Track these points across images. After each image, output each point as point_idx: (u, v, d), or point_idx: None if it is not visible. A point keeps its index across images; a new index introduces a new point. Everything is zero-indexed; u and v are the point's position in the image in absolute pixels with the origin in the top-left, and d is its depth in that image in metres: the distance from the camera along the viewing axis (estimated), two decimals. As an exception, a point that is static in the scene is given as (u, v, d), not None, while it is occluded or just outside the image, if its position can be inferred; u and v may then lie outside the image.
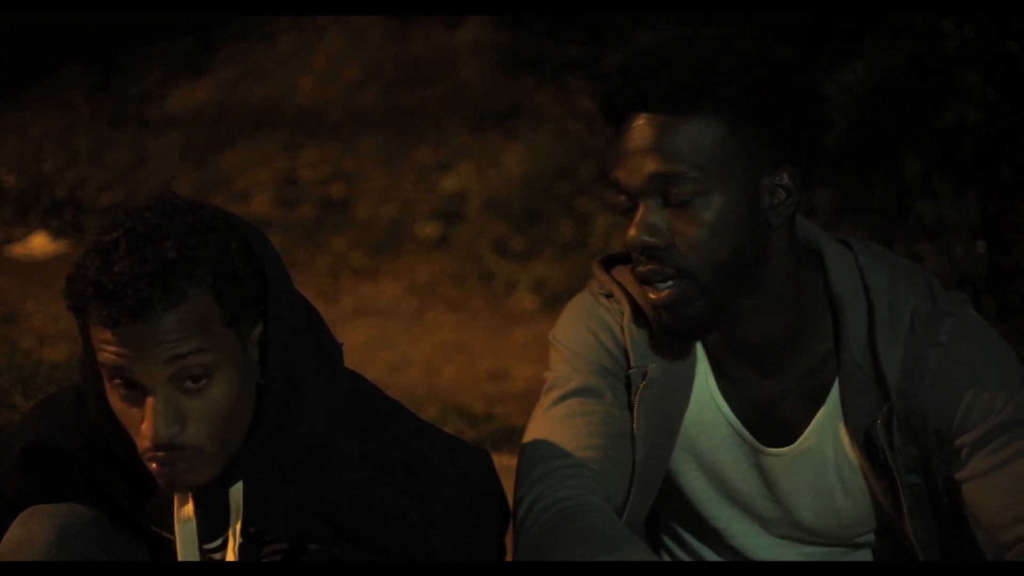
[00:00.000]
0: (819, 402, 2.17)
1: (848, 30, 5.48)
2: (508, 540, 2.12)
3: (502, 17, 7.15)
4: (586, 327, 2.22)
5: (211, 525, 2.01)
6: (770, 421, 2.20)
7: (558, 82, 7.01)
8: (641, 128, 2.07)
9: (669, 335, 2.14)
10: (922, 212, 5.27)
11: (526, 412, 2.24)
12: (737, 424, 2.21)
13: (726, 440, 2.22)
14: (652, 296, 2.09)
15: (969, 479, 2.10)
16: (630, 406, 2.18)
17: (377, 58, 7.60)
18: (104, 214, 6.59)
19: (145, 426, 1.88)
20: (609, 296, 2.22)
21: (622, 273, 2.23)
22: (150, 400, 1.88)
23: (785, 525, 2.25)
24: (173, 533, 2.01)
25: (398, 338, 5.84)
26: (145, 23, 7.61)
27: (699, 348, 2.20)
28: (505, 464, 2.16)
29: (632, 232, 2.07)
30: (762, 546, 2.28)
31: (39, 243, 6.73)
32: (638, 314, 2.18)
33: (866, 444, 2.14)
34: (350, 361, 2.06)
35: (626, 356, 2.19)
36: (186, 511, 1.99)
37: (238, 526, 2.00)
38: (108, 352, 1.86)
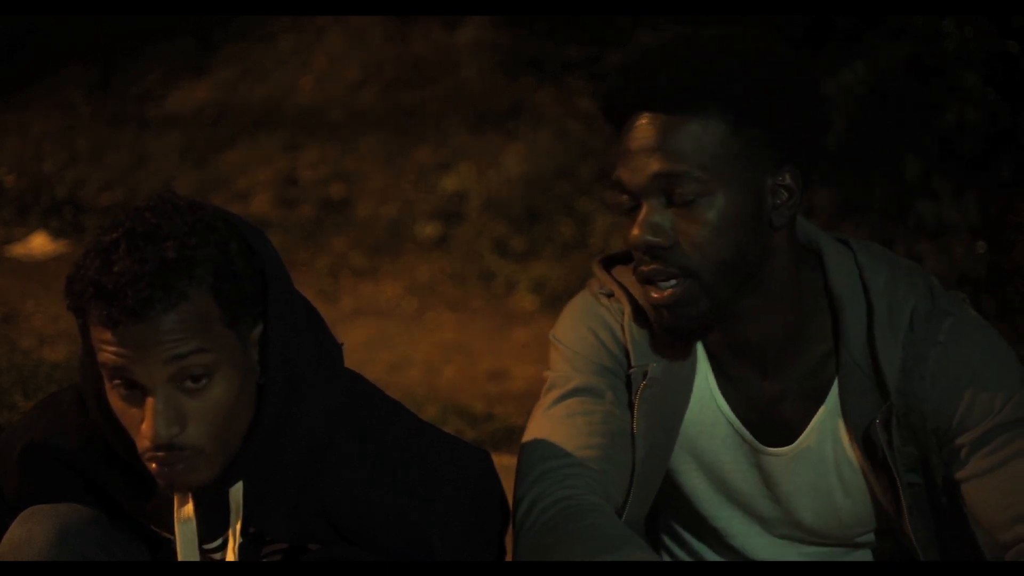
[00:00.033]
0: (819, 402, 2.17)
1: (848, 30, 5.48)
2: (508, 540, 2.12)
3: (502, 17, 7.15)
4: (586, 326, 2.22)
5: (211, 525, 2.01)
6: (770, 421, 2.20)
7: (558, 82, 7.01)
8: (643, 128, 2.07)
9: (670, 334, 2.14)
10: (922, 212, 5.27)
11: (526, 412, 2.24)
12: (737, 424, 2.21)
13: (726, 440, 2.22)
14: (654, 295, 2.09)
15: (968, 479, 2.10)
16: (630, 406, 2.18)
17: (377, 58, 7.60)
18: (104, 214, 6.59)
19: (145, 426, 1.88)
20: (610, 296, 2.22)
21: (622, 273, 2.23)
22: (150, 400, 1.88)
23: (785, 525, 2.25)
24: (173, 533, 2.01)
25: (398, 338, 5.84)
26: (145, 23, 7.61)
27: (699, 348, 2.20)
28: (505, 464, 2.16)
29: (635, 232, 2.07)
30: (762, 546, 2.28)
31: (39, 243, 6.73)
32: (638, 313, 2.18)
33: (865, 443, 2.15)
34: (350, 361, 2.06)
35: (626, 355, 2.19)
36: (186, 511, 1.99)
37: (238, 526, 2.00)
38: (108, 352, 1.86)
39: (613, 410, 2.17)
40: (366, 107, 7.42)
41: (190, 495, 1.99)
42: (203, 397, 1.89)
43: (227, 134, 7.44)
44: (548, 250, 6.35)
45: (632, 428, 2.17)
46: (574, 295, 2.29)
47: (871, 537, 2.26)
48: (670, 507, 2.31)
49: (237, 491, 1.98)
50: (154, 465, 1.90)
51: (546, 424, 2.17)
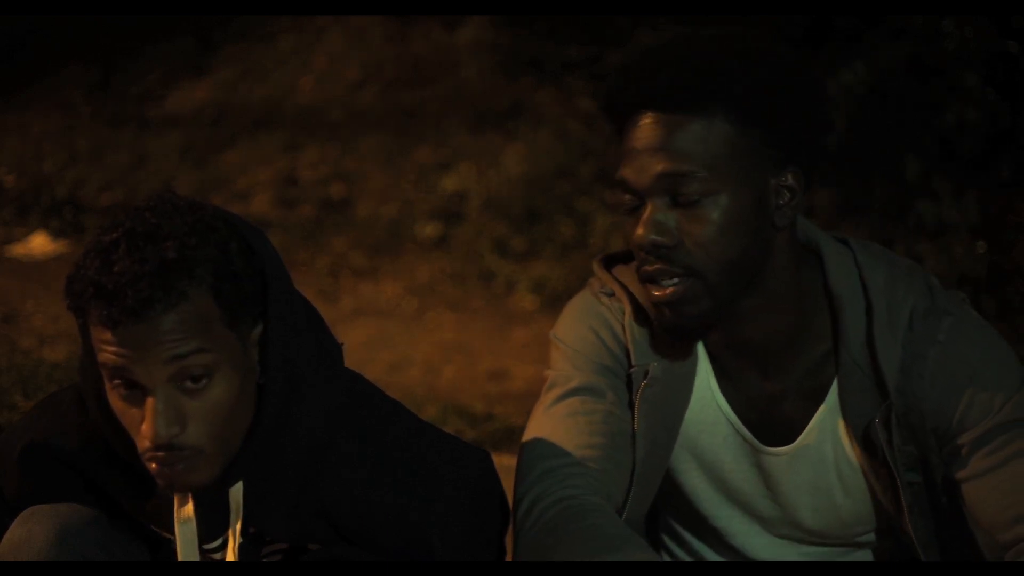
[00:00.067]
0: (819, 401, 2.17)
1: (848, 30, 5.48)
2: (508, 540, 2.12)
3: (502, 17, 7.14)
4: (587, 325, 2.22)
5: (211, 525, 2.01)
6: (770, 420, 2.20)
7: (558, 82, 7.01)
8: (648, 127, 2.07)
9: (671, 333, 2.14)
10: (922, 212, 5.27)
11: (526, 412, 2.24)
12: (738, 423, 2.21)
13: (727, 439, 2.22)
14: (656, 293, 2.09)
15: (968, 479, 2.10)
16: (630, 405, 2.18)
17: (377, 58, 7.59)
18: (104, 214, 6.59)
19: (145, 426, 1.88)
20: (610, 295, 2.22)
21: (623, 272, 2.23)
22: (150, 400, 1.88)
23: (785, 525, 2.25)
24: (173, 533, 2.01)
25: (398, 338, 5.84)
26: (145, 23, 7.60)
27: (700, 347, 2.20)
28: (505, 464, 2.16)
29: (640, 231, 2.07)
30: (762, 546, 2.28)
31: (39, 243, 6.73)
32: (639, 313, 2.18)
33: (865, 442, 2.15)
34: (350, 361, 2.06)
35: (627, 355, 2.19)
36: (186, 511, 1.99)
37: (238, 526, 2.00)
38: (108, 352, 1.86)
39: (614, 409, 2.17)
40: (366, 107, 7.41)
41: (190, 495, 1.99)
42: (203, 397, 1.89)
43: (227, 134, 7.44)
44: (548, 250, 6.35)
45: (632, 427, 2.17)
46: (574, 295, 2.29)
47: (871, 536, 2.26)
48: (670, 506, 2.31)
49: (237, 491, 1.98)
50: (154, 465, 1.90)
51: (547, 423, 2.17)
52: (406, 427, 2.04)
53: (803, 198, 2.11)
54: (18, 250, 6.69)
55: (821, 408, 2.17)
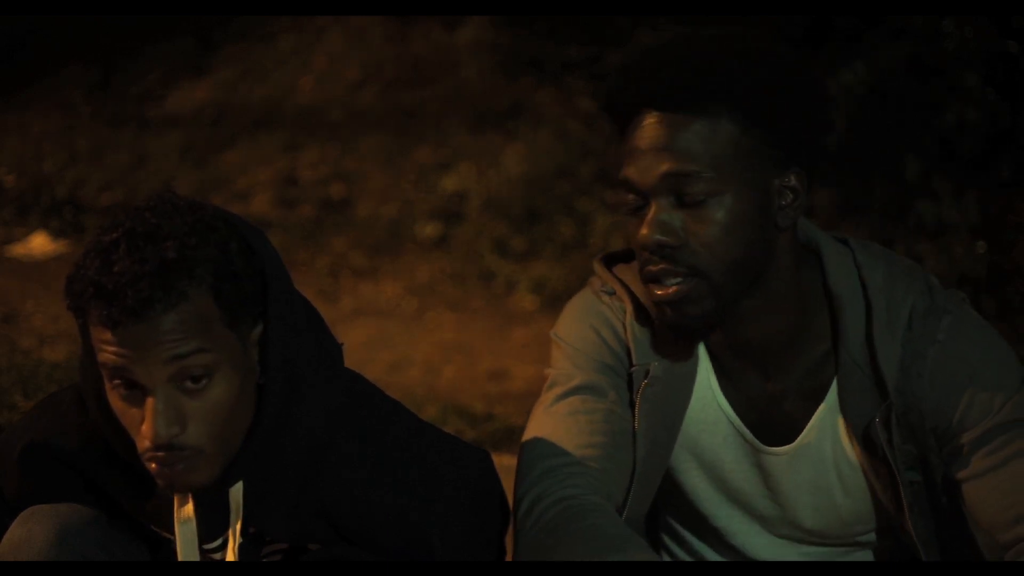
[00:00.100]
0: (818, 400, 2.17)
1: (848, 30, 5.48)
2: (508, 540, 2.12)
3: (502, 17, 7.14)
4: (588, 324, 2.22)
5: (211, 525, 2.01)
6: (771, 420, 2.20)
7: (558, 82, 7.01)
8: (651, 127, 2.07)
9: (672, 332, 2.14)
10: (922, 212, 5.27)
11: (526, 412, 2.24)
12: (738, 423, 2.21)
13: (727, 439, 2.22)
14: (658, 292, 2.09)
15: (968, 479, 2.10)
16: (631, 404, 2.18)
17: (377, 58, 7.59)
18: (104, 214, 6.59)
19: (145, 426, 1.88)
20: (611, 293, 2.22)
21: (624, 271, 2.23)
22: (150, 400, 1.88)
23: (785, 525, 2.25)
24: (173, 533, 2.01)
25: (398, 338, 5.84)
26: (145, 23, 7.60)
27: (701, 347, 2.20)
28: (505, 464, 2.16)
29: (645, 231, 2.07)
30: (762, 545, 2.28)
31: (39, 243, 6.73)
32: (640, 312, 2.18)
33: (865, 441, 2.15)
34: (350, 361, 2.06)
35: (628, 354, 2.19)
36: (186, 511, 1.99)
37: (238, 526, 2.00)
38: (108, 352, 1.86)
39: (615, 408, 2.17)
40: (366, 107, 7.41)
41: (190, 495, 1.99)
42: (203, 397, 1.89)
43: (227, 134, 7.44)
44: (548, 250, 6.35)
45: (633, 426, 2.17)
46: (574, 294, 2.29)
47: (871, 536, 2.26)
48: (670, 506, 2.31)
49: (237, 491, 1.98)
50: (154, 465, 1.90)
51: (547, 422, 2.17)
52: (406, 427, 2.04)
53: (805, 199, 2.11)
54: (18, 250, 6.69)
55: (821, 407, 2.17)
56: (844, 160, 5.21)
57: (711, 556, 2.32)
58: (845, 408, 2.15)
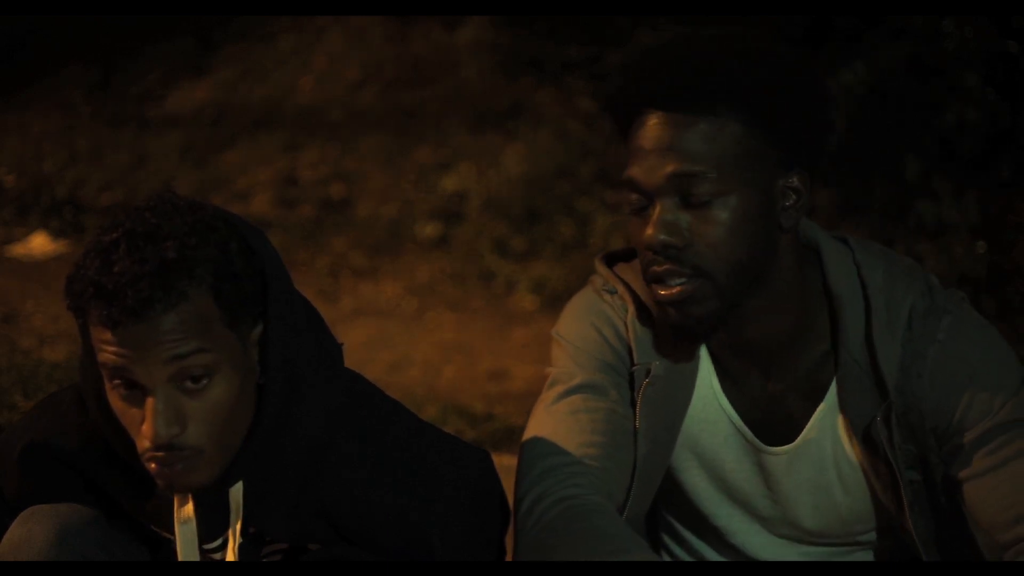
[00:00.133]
0: (819, 400, 2.17)
1: (848, 30, 5.48)
2: (508, 540, 2.12)
3: (502, 17, 7.14)
4: (589, 323, 2.22)
5: (211, 525, 2.01)
6: (771, 420, 2.20)
7: (558, 82, 7.01)
8: (656, 127, 2.06)
9: (675, 333, 2.13)
10: (922, 212, 5.27)
11: (526, 412, 2.24)
12: (739, 422, 2.21)
13: (728, 438, 2.22)
14: (663, 292, 2.08)
15: (967, 479, 2.10)
16: (632, 403, 2.18)
17: (377, 58, 7.59)
18: (104, 214, 6.59)
19: (145, 426, 1.88)
20: (613, 292, 2.22)
21: (625, 270, 2.23)
22: (150, 400, 1.88)
23: (785, 524, 2.25)
24: (173, 533, 2.01)
25: (398, 338, 5.84)
26: (145, 23, 7.60)
27: (702, 346, 2.20)
28: (505, 464, 2.16)
29: (650, 231, 2.06)
30: (762, 545, 2.28)
31: (39, 243, 6.73)
32: (642, 311, 2.18)
33: (866, 441, 2.15)
34: (350, 361, 2.06)
35: (629, 352, 2.19)
36: (186, 511, 1.99)
37: (238, 526, 2.00)
38: (108, 352, 1.86)
39: (616, 407, 2.17)
40: (366, 107, 7.41)
41: (190, 495, 1.99)
42: (203, 397, 1.89)
43: (227, 134, 7.44)
44: (548, 250, 6.35)
45: (634, 425, 2.17)
46: (574, 295, 2.29)
47: (871, 536, 2.26)
48: (671, 505, 2.31)
49: (237, 491, 1.98)
50: (153, 465, 1.90)
51: (549, 420, 2.17)
52: (406, 427, 2.04)
53: (808, 200, 2.11)
54: (18, 250, 6.68)
55: (821, 407, 2.17)
56: (844, 160, 5.21)
57: (711, 555, 2.32)
58: (845, 407, 2.15)
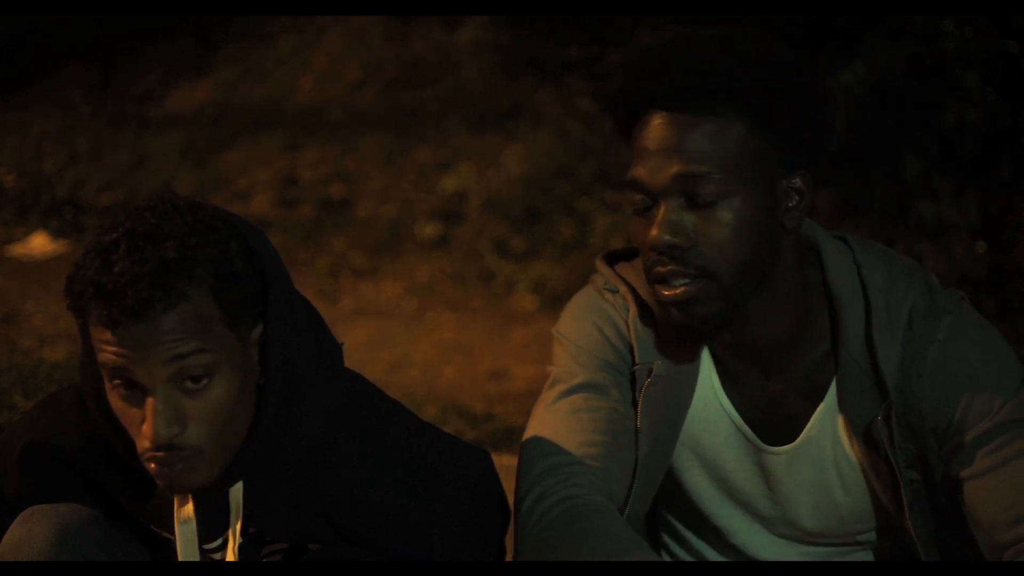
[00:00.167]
0: (819, 399, 2.17)
1: (848, 30, 5.48)
2: (508, 540, 2.12)
3: (502, 17, 7.14)
4: (591, 322, 2.22)
5: (211, 525, 2.01)
6: (772, 420, 2.20)
7: (558, 82, 7.01)
8: (661, 127, 2.06)
9: (678, 333, 2.13)
10: (922, 212, 5.27)
11: (526, 412, 2.24)
12: (740, 422, 2.21)
13: (729, 438, 2.22)
14: (666, 293, 2.08)
15: (967, 479, 2.10)
16: (634, 402, 2.18)
17: (377, 58, 7.59)
18: (104, 214, 6.59)
19: (145, 426, 1.88)
20: (614, 291, 2.22)
21: (626, 269, 2.23)
22: (150, 400, 1.87)
23: (785, 524, 2.25)
24: (173, 533, 2.01)
25: (398, 338, 5.84)
26: (145, 23, 7.60)
27: (703, 346, 2.20)
28: (505, 464, 2.16)
29: (655, 232, 2.06)
30: (762, 545, 2.28)
31: (39, 243, 6.73)
32: (643, 310, 2.18)
33: (866, 440, 2.15)
34: (350, 361, 2.06)
35: (631, 352, 2.19)
36: (186, 511, 1.99)
37: (238, 526, 2.00)
38: (108, 352, 1.86)
39: (618, 407, 2.17)
40: (366, 107, 7.41)
41: (190, 495, 1.99)
42: (203, 397, 1.89)
43: (227, 134, 7.44)
44: (548, 250, 6.35)
45: (636, 425, 2.17)
46: (574, 294, 2.29)
47: (871, 536, 2.26)
48: (671, 505, 2.31)
49: (237, 491, 1.98)
50: (153, 465, 1.90)
51: (550, 419, 2.17)
52: (406, 427, 2.04)
53: (811, 200, 2.11)
54: (18, 250, 6.69)
55: (821, 406, 2.17)
56: (844, 160, 5.21)
57: (711, 555, 2.32)
58: (845, 407, 2.15)
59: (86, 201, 7.08)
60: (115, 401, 1.91)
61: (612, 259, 2.27)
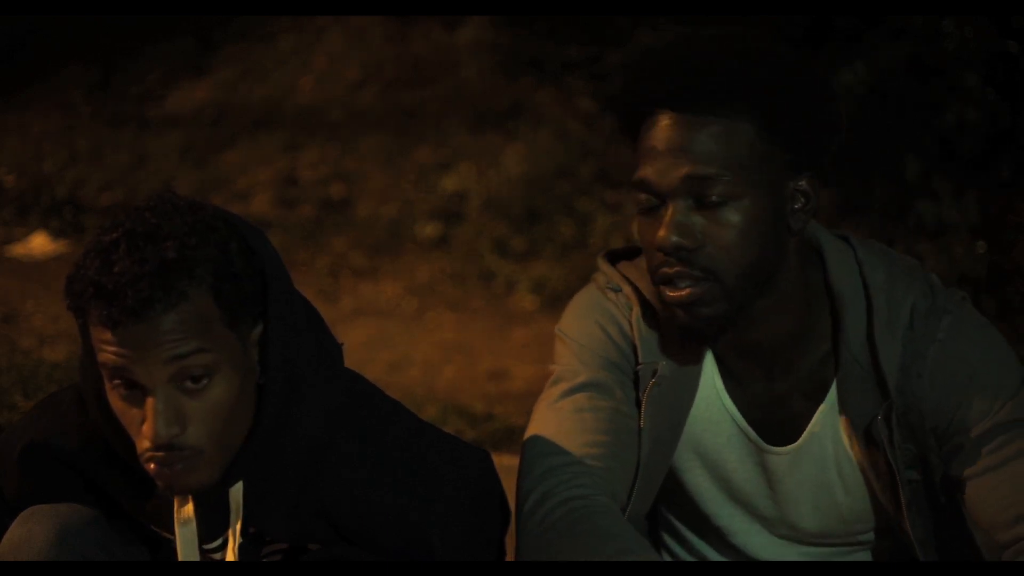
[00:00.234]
0: (820, 399, 2.17)
1: (848, 30, 5.48)
2: (508, 540, 2.11)
3: (502, 17, 7.14)
4: (594, 320, 2.21)
5: (211, 525, 2.01)
6: (774, 420, 2.20)
7: (558, 82, 7.01)
8: (668, 128, 2.05)
9: (683, 334, 2.13)
10: (922, 212, 5.27)
11: (526, 412, 2.24)
12: (742, 422, 2.21)
13: (731, 438, 2.22)
14: (671, 294, 2.08)
15: (967, 479, 2.10)
16: (636, 402, 2.17)
17: (377, 58, 7.59)
18: (104, 214, 6.59)
19: (145, 426, 1.88)
20: (617, 291, 2.22)
21: (628, 268, 2.23)
22: (150, 400, 1.87)
23: (786, 525, 2.25)
24: (173, 533, 2.01)
25: (398, 338, 5.84)
26: (145, 23, 7.60)
27: (706, 347, 2.20)
28: (505, 464, 2.16)
29: (663, 233, 2.06)
30: (762, 545, 2.28)
31: (39, 243, 6.73)
32: (647, 310, 2.18)
33: (867, 440, 2.15)
34: (350, 361, 2.06)
35: (634, 351, 2.19)
36: (186, 511, 1.99)
37: (238, 526, 2.00)
38: (108, 352, 1.86)
39: (621, 407, 2.17)
40: (366, 107, 7.41)
41: (190, 495, 1.99)
42: (203, 397, 1.89)
43: (227, 134, 7.44)
44: (548, 250, 6.35)
45: (639, 425, 2.16)
46: (574, 294, 2.29)
47: (871, 536, 2.26)
48: (672, 504, 2.31)
49: (237, 491, 1.98)
50: (153, 466, 1.90)
51: (552, 418, 2.16)
52: (406, 427, 2.04)
53: (816, 203, 2.11)
54: (18, 250, 6.68)
55: (822, 406, 2.17)
56: (844, 160, 5.19)
57: (711, 555, 2.32)
58: (846, 407, 2.15)
59: (86, 201, 7.08)
60: (115, 401, 1.91)
61: (613, 258, 2.26)
